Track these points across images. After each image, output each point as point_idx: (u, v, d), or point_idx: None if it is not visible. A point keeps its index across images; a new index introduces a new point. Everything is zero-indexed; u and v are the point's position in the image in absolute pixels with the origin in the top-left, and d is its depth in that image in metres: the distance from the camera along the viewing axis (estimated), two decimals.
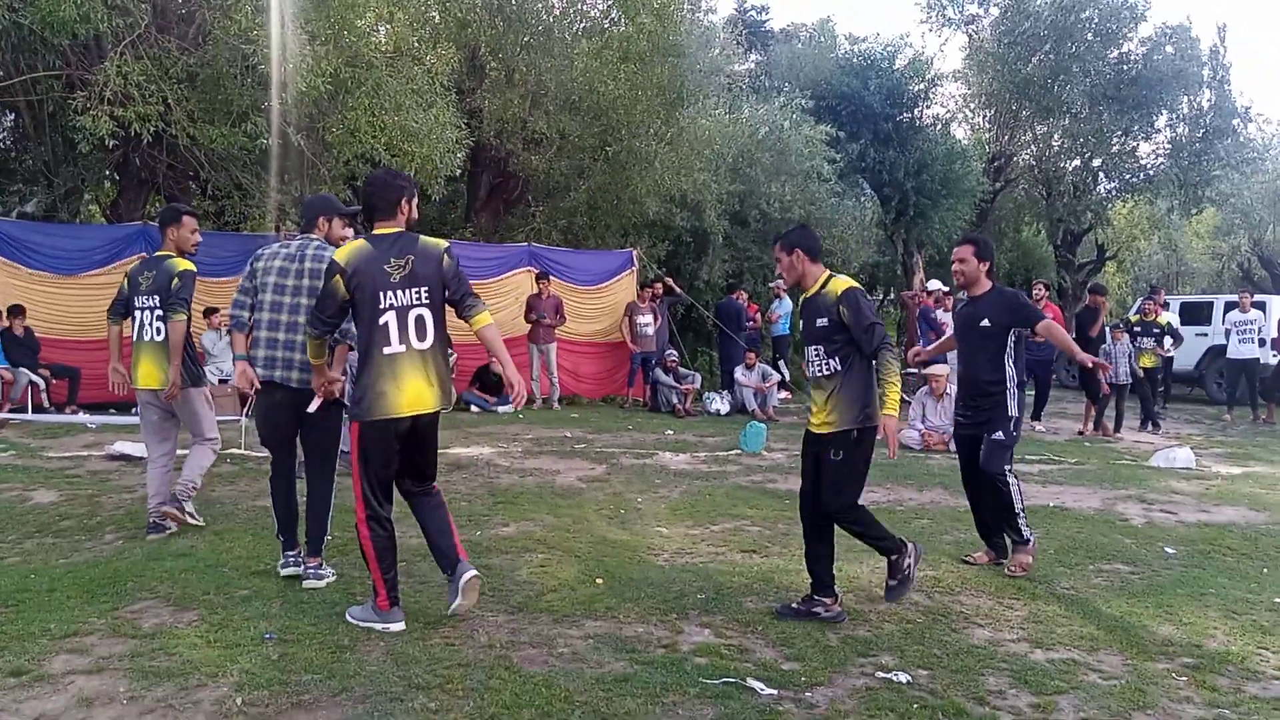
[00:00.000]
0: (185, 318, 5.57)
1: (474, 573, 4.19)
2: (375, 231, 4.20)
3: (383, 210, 4.20)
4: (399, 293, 4.05)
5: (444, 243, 4.27)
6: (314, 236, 4.89)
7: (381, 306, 4.03)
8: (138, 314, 5.62)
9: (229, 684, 3.48)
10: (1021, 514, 5.44)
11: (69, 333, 11.19)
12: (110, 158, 12.67)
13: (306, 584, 4.68)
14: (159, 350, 5.58)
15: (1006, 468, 5.45)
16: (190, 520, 5.76)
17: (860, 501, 4.74)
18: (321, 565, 4.78)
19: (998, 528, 5.59)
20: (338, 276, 4.05)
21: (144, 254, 11.34)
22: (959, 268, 5.65)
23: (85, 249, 11.39)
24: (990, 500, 5.55)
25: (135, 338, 5.64)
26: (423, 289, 4.09)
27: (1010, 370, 5.47)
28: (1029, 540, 5.43)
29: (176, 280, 5.52)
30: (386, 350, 4.04)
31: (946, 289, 14.16)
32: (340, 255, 4.12)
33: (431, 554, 4.34)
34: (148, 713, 3.26)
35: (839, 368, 4.60)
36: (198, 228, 5.87)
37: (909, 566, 4.64)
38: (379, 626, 4.09)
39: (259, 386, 4.78)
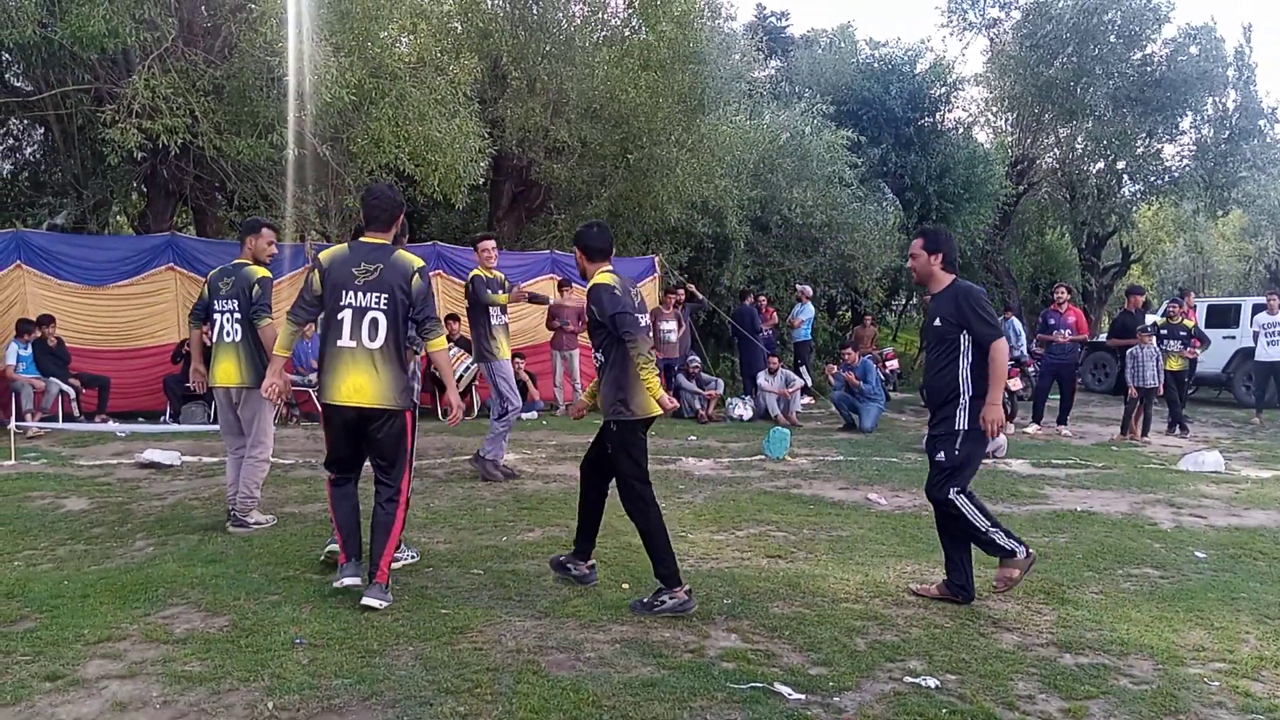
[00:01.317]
0: (270, 321, 5.91)
1: (372, 603, 4.40)
2: (362, 239, 4.62)
3: (379, 221, 4.62)
4: (360, 295, 4.47)
5: (420, 261, 4.61)
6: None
7: (341, 304, 4.47)
8: (217, 317, 5.96)
9: (260, 688, 3.51)
10: (991, 530, 4.77)
11: (98, 342, 11.35)
12: (138, 170, 12.84)
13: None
14: (235, 351, 5.95)
15: (954, 489, 4.77)
16: (259, 527, 6.02)
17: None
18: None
19: (958, 557, 4.91)
20: (315, 271, 4.57)
21: (172, 264, 11.54)
22: (911, 264, 5.17)
23: (114, 260, 11.54)
24: (952, 525, 4.91)
25: (215, 339, 5.99)
26: (384, 295, 4.47)
27: (965, 375, 4.78)
28: (1012, 552, 4.75)
29: (256, 288, 5.90)
30: (338, 343, 4.48)
31: None
32: (324, 254, 4.62)
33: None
34: (180, 717, 3.29)
35: None
36: (274, 240, 6.29)
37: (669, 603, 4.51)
38: (336, 583, 4.62)
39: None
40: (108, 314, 11.44)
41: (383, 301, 4.46)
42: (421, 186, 11.84)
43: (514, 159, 14.87)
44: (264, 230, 6.14)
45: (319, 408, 4.65)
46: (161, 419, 11.01)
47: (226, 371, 5.95)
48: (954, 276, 5.00)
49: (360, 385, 4.46)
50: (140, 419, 10.93)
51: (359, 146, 11.22)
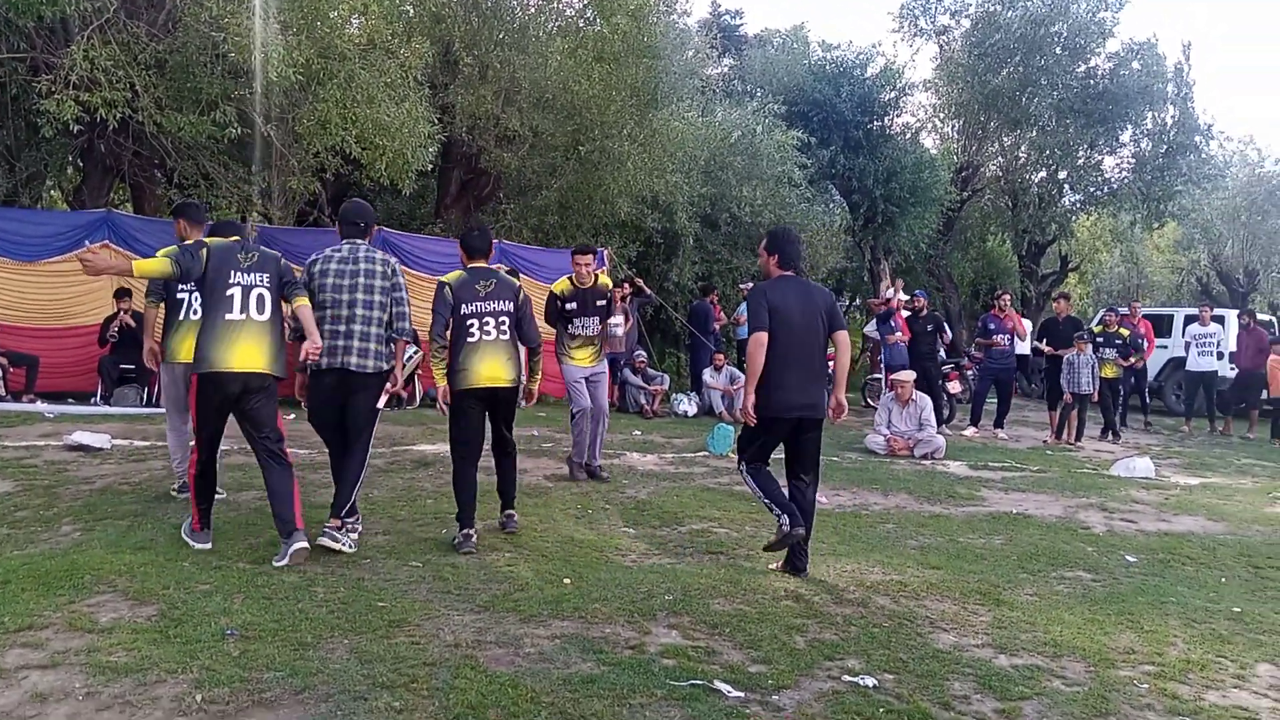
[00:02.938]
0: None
1: (304, 545, 4.93)
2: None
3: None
4: (244, 274, 5.10)
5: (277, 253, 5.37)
6: (360, 242, 5.53)
7: (230, 282, 5.05)
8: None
9: (189, 680, 3.41)
10: (769, 502, 5.24)
11: (28, 320, 10.97)
12: (75, 143, 12.44)
13: (321, 540, 5.08)
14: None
15: (741, 465, 5.44)
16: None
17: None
18: (342, 527, 5.22)
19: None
20: (204, 251, 5.13)
21: (106, 241, 11.19)
22: (759, 264, 5.42)
23: (47, 235, 11.15)
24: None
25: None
26: (266, 274, 5.14)
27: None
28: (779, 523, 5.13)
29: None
30: (228, 316, 5.01)
31: (905, 297, 14.27)
32: (210, 241, 5.28)
33: (273, 517, 5.07)
34: (104, 709, 3.19)
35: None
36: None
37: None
38: (193, 544, 5.09)
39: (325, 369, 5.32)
40: (39, 291, 11.05)
41: (265, 280, 5.15)
42: (368, 171, 11.63)
43: (463, 146, 14.68)
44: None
45: (195, 377, 5.13)
46: (92, 400, 10.70)
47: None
48: (785, 273, 5.36)
49: (251, 354, 5.01)
50: (70, 400, 10.61)
51: (305, 127, 10.98)
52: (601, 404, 7.93)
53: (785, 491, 5.36)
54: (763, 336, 5.11)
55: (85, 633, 3.82)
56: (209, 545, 5.11)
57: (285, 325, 5.33)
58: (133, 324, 10.76)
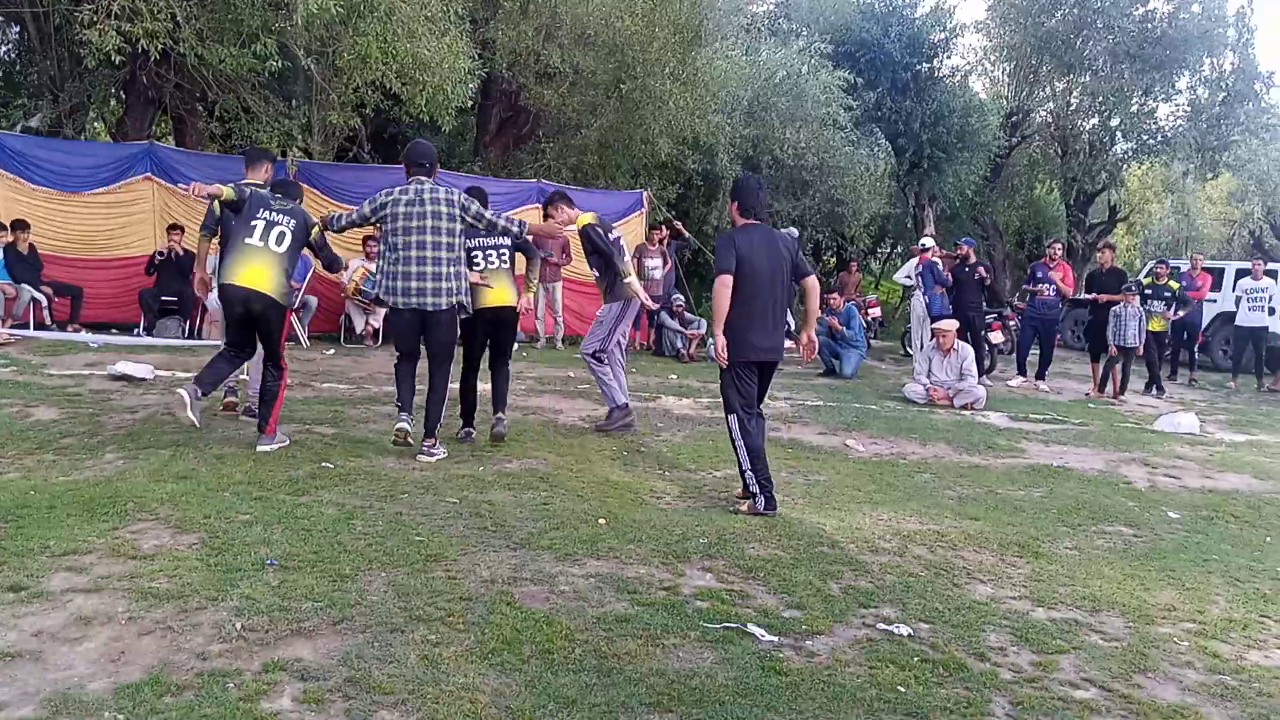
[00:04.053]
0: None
1: (267, 449, 5.78)
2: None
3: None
4: (273, 214, 5.83)
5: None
6: (426, 180, 5.93)
7: (258, 216, 5.80)
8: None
9: (228, 608, 3.46)
10: (745, 465, 5.32)
11: (72, 250, 11.08)
12: (117, 75, 12.44)
13: (420, 458, 5.87)
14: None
15: (726, 412, 5.47)
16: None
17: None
18: (435, 444, 5.99)
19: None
20: (249, 190, 6.00)
21: (149, 174, 11.24)
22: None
23: (90, 166, 11.22)
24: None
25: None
26: (294, 220, 5.88)
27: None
28: (751, 494, 5.33)
29: (317, 229, 6.14)
30: (247, 240, 5.74)
31: (933, 246, 13.98)
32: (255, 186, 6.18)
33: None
34: (146, 634, 3.24)
35: None
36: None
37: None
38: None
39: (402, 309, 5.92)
40: (82, 222, 11.15)
41: (291, 222, 5.94)
42: (408, 106, 11.55)
43: (503, 83, 14.53)
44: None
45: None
46: (135, 332, 10.83)
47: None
48: (749, 221, 5.43)
49: (259, 276, 5.78)
50: (113, 330, 10.74)
51: (345, 61, 10.88)
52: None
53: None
54: (728, 279, 5.21)
55: (128, 559, 3.88)
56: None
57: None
58: (181, 253, 10.87)
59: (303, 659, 3.14)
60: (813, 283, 5.59)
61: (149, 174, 11.34)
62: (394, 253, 5.77)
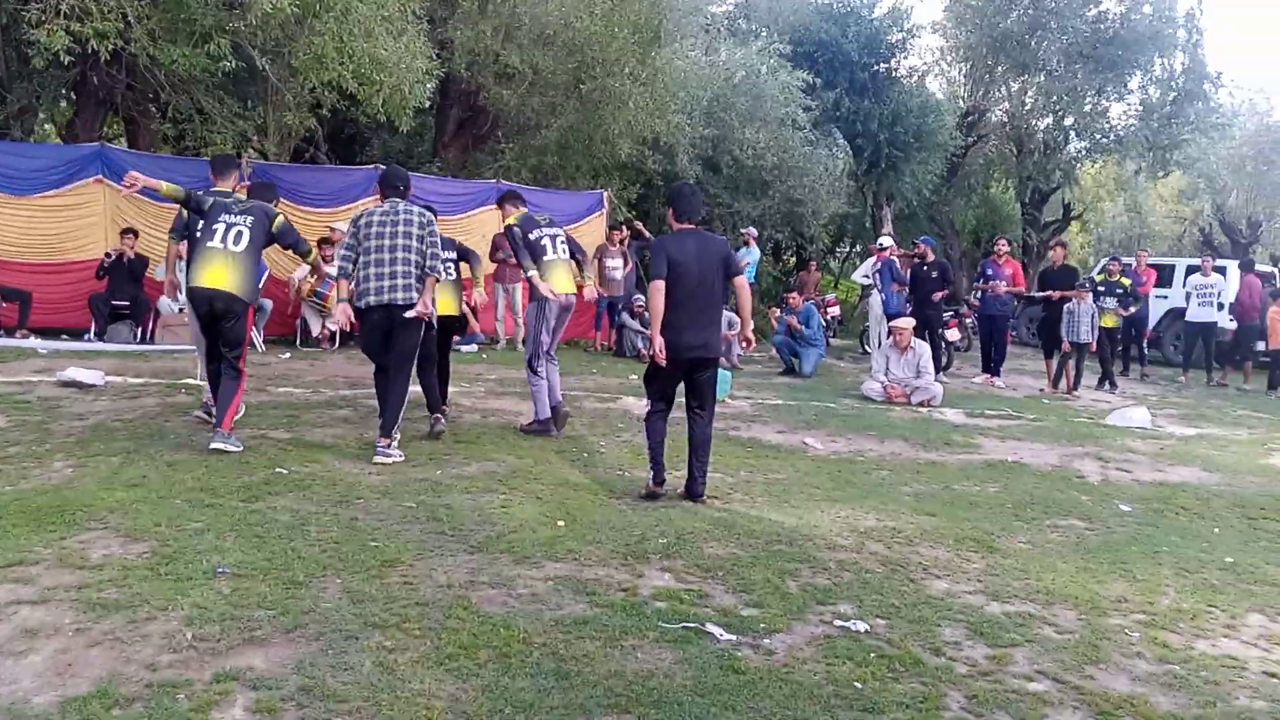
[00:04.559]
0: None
1: (220, 446, 5.83)
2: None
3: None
4: (233, 216, 6.16)
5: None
6: (399, 200, 6.39)
7: (219, 220, 6.13)
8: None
9: (179, 617, 3.41)
10: (648, 455, 5.75)
11: (21, 254, 10.85)
12: (67, 75, 12.19)
13: (376, 459, 5.95)
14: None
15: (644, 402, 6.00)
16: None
17: None
18: (390, 445, 6.09)
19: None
20: (211, 198, 6.33)
21: (100, 176, 11.05)
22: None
23: (39, 169, 11.01)
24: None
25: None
26: (251, 219, 6.17)
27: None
28: (653, 474, 5.69)
29: (280, 220, 6.45)
30: (209, 244, 6.07)
31: (893, 245, 14.10)
32: (217, 192, 6.50)
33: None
34: (94, 645, 3.18)
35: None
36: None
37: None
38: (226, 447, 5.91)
39: (355, 323, 6.32)
40: (31, 225, 10.92)
41: (249, 222, 6.20)
42: (365, 107, 11.45)
43: (462, 83, 14.44)
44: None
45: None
46: (85, 337, 10.64)
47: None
48: (684, 226, 5.71)
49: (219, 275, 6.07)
50: (63, 336, 10.55)
51: (301, 62, 10.75)
52: None
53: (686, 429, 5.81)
54: (661, 284, 5.47)
55: (76, 569, 3.81)
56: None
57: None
58: (134, 257, 10.70)
59: (255, 668, 3.10)
60: (742, 281, 5.83)
61: (100, 176, 11.14)
62: (365, 256, 6.20)
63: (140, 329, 10.93)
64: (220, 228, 6.12)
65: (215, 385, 6.33)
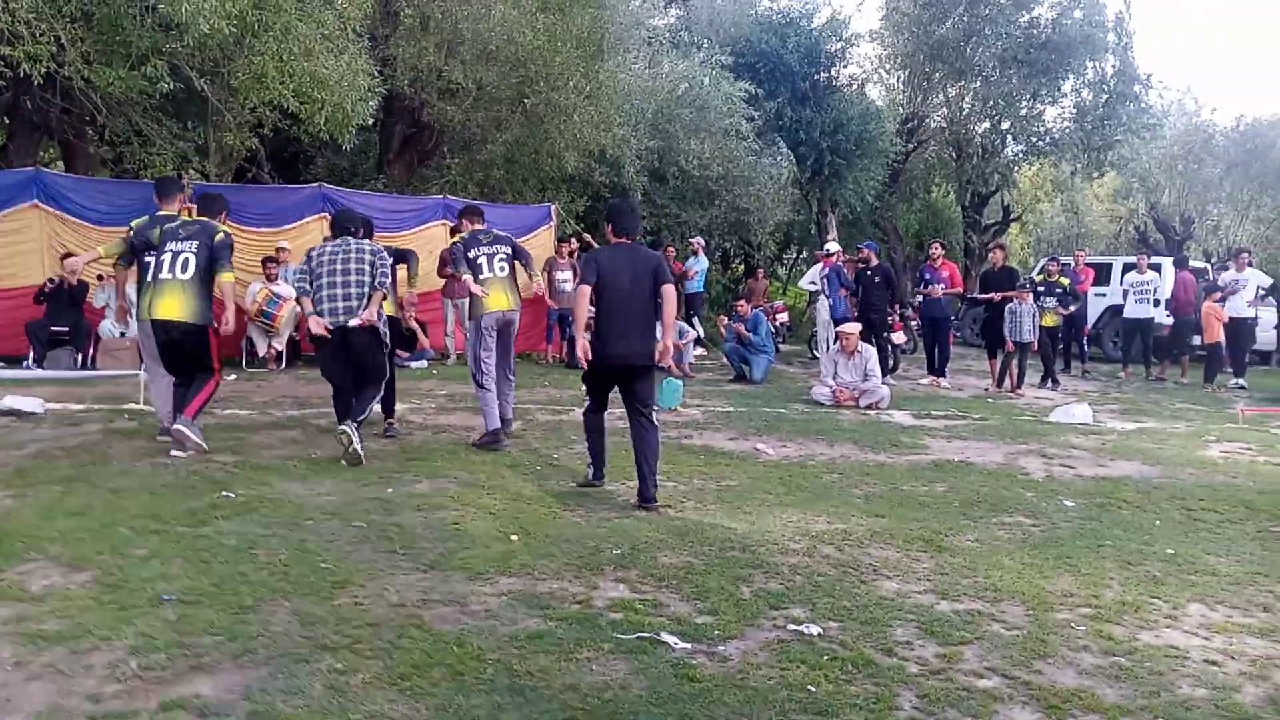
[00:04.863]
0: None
1: (180, 428, 6.32)
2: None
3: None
4: (179, 243, 6.47)
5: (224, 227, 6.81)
6: (350, 238, 6.92)
7: (166, 249, 6.45)
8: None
9: (123, 647, 3.35)
10: (588, 449, 6.23)
11: None
12: None
13: (342, 429, 6.43)
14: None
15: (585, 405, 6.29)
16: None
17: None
18: (358, 429, 6.52)
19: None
20: (158, 228, 6.63)
21: (36, 202, 10.83)
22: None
23: None
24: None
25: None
26: (195, 242, 6.48)
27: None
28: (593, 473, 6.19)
29: (220, 235, 6.67)
30: (159, 275, 6.40)
31: (839, 249, 14.31)
32: (164, 217, 6.78)
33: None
34: (34, 679, 3.11)
35: None
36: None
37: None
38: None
39: (330, 329, 6.63)
40: None
41: (194, 247, 6.52)
42: (307, 125, 11.35)
43: (406, 100, 14.39)
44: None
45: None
46: (25, 364, 10.40)
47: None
48: (620, 240, 6.00)
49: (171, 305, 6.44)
50: (1, 364, 10.30)
51: (240, 82, 10.65)
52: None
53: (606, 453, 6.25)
54: (586, 289, 5.82)
55: (15, 601, 3.72)
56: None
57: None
58: (75, 284, 10.53)
59: (203, 695, 3.05)
60: (668, 290, 5.88)
61: (36, 202, 10.93)
62: (318, 282, 6.71)
63: (81, 355, 10.71)
64: (168, 257, 6.39)
65: (177, 402, 6.56)
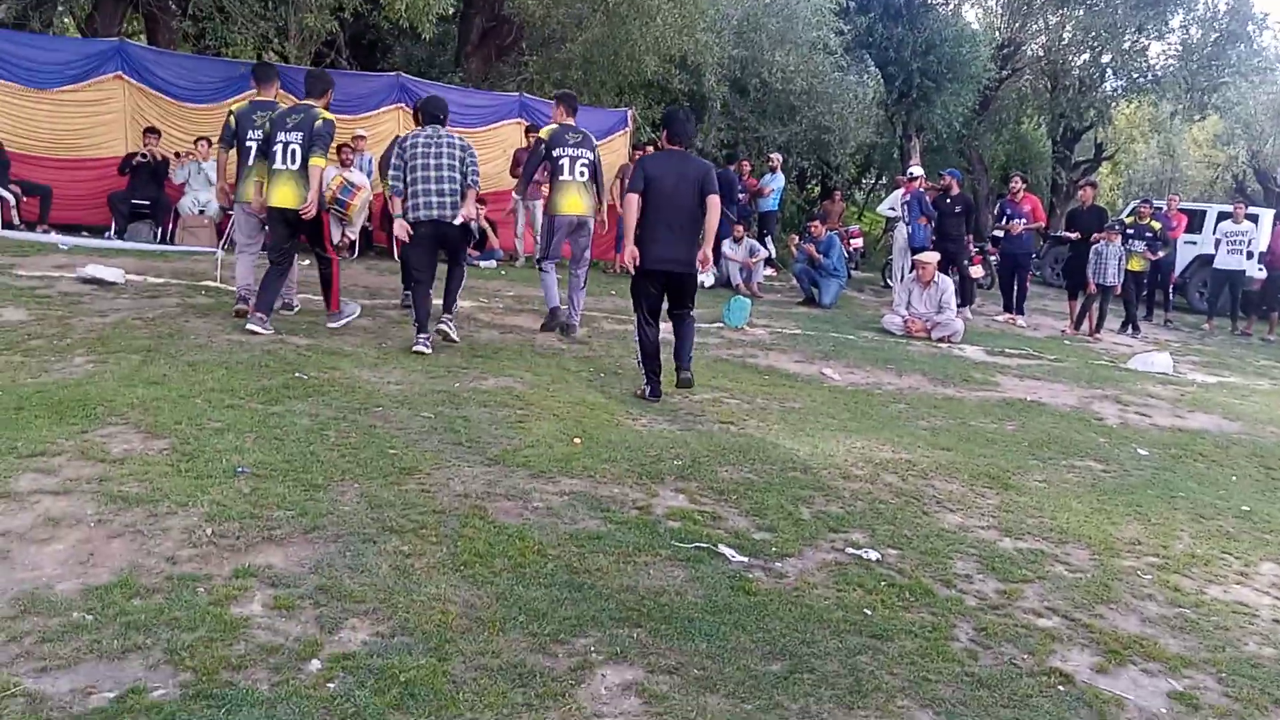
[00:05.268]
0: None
1: (334, 325, 7.06)
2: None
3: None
4: (287, 134, 6.67)
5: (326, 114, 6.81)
6: (440, 126, 6.91)
7: (278, 140, 6.66)
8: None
9: (199, 514, 3.44)
10: (638, 364, 6.22)
11: (41, 149, 10.76)
12: None
13: (440, 327, 6.90)
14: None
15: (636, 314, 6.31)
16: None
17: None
18: (451, 320, 7.06)
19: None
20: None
21: (119, 73, 10.91)
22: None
23: (59, 62, 10.84)
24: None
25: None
26: (301, 133, 6.66)
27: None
28: (646, 385, 6.15)
29: (320, 122, 6.78)
30: (275, 166, 6.65)
31: (922, 174, 13.88)
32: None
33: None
34: (115, 537, 3.22)
35: None
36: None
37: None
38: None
39: (411, 234, 6.72)
40: (51, 120, 10.80)
41: (300, 138, 6.71)
42: (387, 11, 11.22)
43: None
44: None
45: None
46: (106, 235, 10.62)
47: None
48: (673, 148, 6.13)
49: (286, 194, 6.75)
50: (84, 233, 10.53)
51: None
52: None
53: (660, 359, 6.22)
54: (634, 198, 5.88)
55: (98, 462, 3.84)
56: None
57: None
58: (160, 158, 10.66)
59: (274, 566, 3.14)
60: (712, 200, 5.99)
61: (120, 73, 11.00)
62: (413, 175, 6.74)
63: (160, 230, 10.90)
64: (279, 149, 6.66)
65: (269, 281, 6.79)
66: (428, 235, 6.86)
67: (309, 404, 4.97)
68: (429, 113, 7.09)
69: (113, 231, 10.67)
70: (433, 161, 6.78)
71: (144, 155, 10.70)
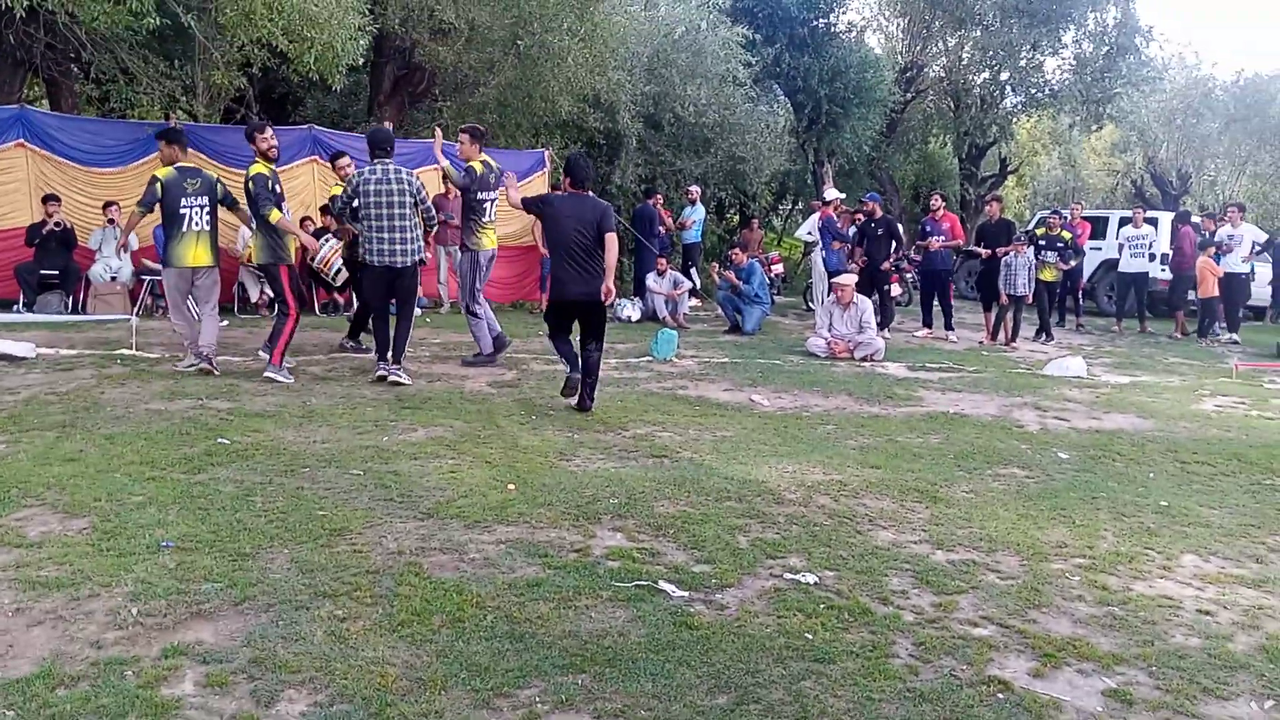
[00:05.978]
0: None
1: (270, 375, 7.21)
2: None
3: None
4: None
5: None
6: (389, 161, 7.41)
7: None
8: (185, 212, 7.22)
9: (123, 593, 3.35)
10: (559, 358, 7.22)
11: None
12: None
13: (391, 378, 7.29)
14: (207, 238, 7.39)
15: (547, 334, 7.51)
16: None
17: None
18: (400, 369, 7.42)
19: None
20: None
21: (21, 140, 10.64)
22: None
23: None
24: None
25: (183, 229, 7.27)
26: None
27: None
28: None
29: (220, 187, 7.51)
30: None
31: (843, 196, 14.21)
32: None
33: None
34: (35, 625, 3.11)
35: None
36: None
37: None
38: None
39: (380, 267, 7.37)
40: None
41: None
42: (296, 65, 11.14)
43: (397, 39, 14.11)
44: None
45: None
46: (14, 308, 10.31)
47: (199, 255, 7.33)
48: (576, 191, 6.87)
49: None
50: None
51: (228, 18, 10.41)
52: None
53: (577, 353, 6.98)
54: (531, 213, 7.33)
55: (13, 548, 3.71)
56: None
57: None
58: (65, 226, 10.41)
59: (204, 641, 3.06)
60: (610, 238, 6.69)
61: (21, 140, 10.74)
62: (368, 217, 7.24)
63: (71, 299, 10.63)
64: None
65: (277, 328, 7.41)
66: (382, 279, 7.44)
67: (233, 470, 4.87)
68: (377, 145, 7.49)
69: (21, 304, 10.36)
70: (385, 210, 7.24)
71: (57, 224, 10.43)
